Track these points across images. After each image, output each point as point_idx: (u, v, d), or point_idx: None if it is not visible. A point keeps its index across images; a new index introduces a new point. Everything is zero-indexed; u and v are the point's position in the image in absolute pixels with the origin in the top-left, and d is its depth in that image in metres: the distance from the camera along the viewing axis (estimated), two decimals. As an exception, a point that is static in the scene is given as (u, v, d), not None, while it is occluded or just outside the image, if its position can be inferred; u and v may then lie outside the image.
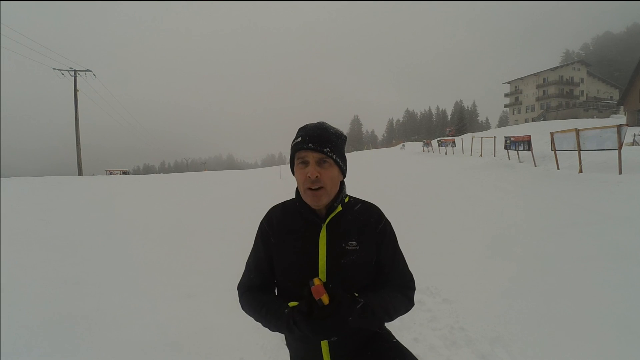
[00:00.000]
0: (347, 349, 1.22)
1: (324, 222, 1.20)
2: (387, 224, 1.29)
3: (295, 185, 1.26)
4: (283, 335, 1.33)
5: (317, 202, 1.16)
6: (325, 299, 0.99)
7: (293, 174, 1.23)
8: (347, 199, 1.29)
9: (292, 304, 1.11)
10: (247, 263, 1.32)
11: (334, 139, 1.18)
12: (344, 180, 1.29)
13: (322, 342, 1.19)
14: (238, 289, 1.30)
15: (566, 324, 2.75)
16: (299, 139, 1.17)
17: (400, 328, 2.92)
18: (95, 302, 3.55)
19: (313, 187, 1.14)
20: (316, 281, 0.99)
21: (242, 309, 1.26)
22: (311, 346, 1.22)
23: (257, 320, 1.20)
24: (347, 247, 1.18)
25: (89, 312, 3.32)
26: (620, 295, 3.07)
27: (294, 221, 1.24)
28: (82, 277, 4.27)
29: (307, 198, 1.17)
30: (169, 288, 3.94)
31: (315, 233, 1.20)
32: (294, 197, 1.30)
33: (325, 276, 1.16)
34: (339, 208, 1.23)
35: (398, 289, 1.25)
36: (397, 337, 1.34)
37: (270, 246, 1.24)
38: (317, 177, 1.13)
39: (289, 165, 1.27)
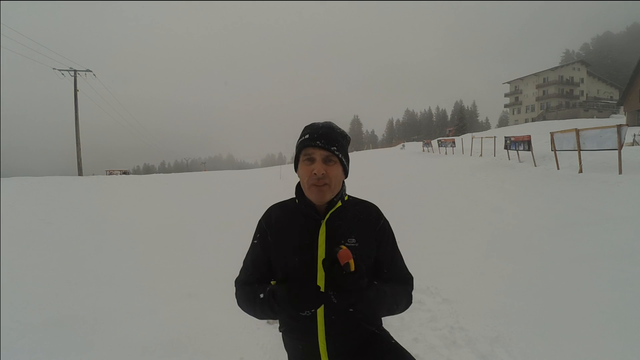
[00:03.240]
0: (345, 350, 1.22)
1: (324, 219, 1.21)
2: (386, 222, 1.30)
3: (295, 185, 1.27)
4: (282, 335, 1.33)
5: (321, 198, 1.17)
6: (352, 265, 1.01)
7: (296, 171, 1.24)
8: (346, 198, 1.30)
9: (273, 283, 1.16)
10: (244, 261, 1.32)
11: (340, 138, 1.20)
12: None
13: (319, 342, 1.19)
14: (235, 284, 1.31)
15: (566, 324, 2.75)
16: (307, 136, 1.19)
17: (400, 328, 2.92)
18: (95, 302, 3.55)
19: (318, 184, 1.15)
20: (342, 247, 1.03)
21: (238, 304, 1.26)
22: (309, 347, 1.21)
23: (249, 311, 1.21)
24: (347, 244, 1.19)
25: (89, 312, 3.33)
26: (619, 295, 3.07)
27: (293, 218, 1.25)
28: (82, 277, 4.27)
29: (312, 194, 1.18)
30: (168, 288, 3.95)
31: (314, 229, 1.21)
32: (292, 197, 1.31)
33: (323, 273, 1.16)
34: (339, 204, 1.24)
35: (398, 284, 1.27)
36: (397, 338, 1.34)
37: (268, 245, 1.25)
38: (323, 174, 1.14)
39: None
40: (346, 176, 1.27)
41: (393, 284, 1.23)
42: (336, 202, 1.23)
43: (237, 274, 1.32)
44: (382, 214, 1.31)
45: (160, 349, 2.70)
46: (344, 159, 1.20)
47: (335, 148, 1.16)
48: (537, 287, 3.45)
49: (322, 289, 1.14)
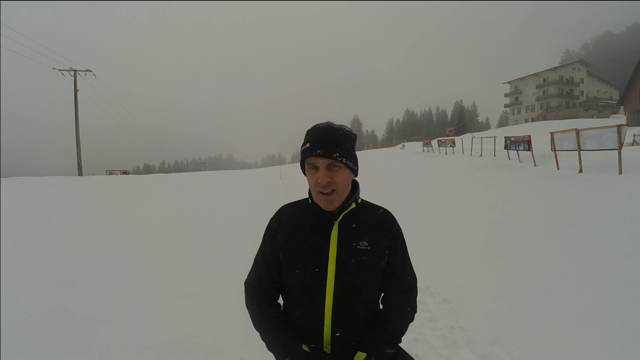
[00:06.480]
0: (346, 348, 1.22)
1: (336, 220, 1.20)
2: (399, 230, 1.29)
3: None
4: None
5: (329, 205, 1.16)
6: None
7: (304, 174, 1.24)
8: (360, 200, 1.28)
9: (305, 347, 1.16)
10: (255, 259, 1.32)
11: (342, 141, 1.16)
12: (358, 181, 1.29)
13: (324, 342, 1.19)
14: (245, 285, 1.30)
15: (566, 324, 2.75)
16: (308, 145, 1.16)
17: (400, 328, 2.92)
18: (95, 302, 3.55)
19: (325, 192, 1.14)
20: None
21: (250, 314, 1.26)
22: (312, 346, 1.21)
23: (259, 332, 1.22)
24: (359, 247, 1.18)
25: (89, 312, 3.33)
26: (619, 295, 3.07)
27: (305, 218, 1.23)
28: (83, 277, 4.27)
29: (320, 202, 1.17)
30: (169, 287, 3.95)
31: (326, 230, 1.19)
32: (301, 198, 1.30)
33: (333, 274, 1.16)
34: (353, 206, 1.23)
35: (403, 297, 1.26)
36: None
37: (278, 244, 1.24)
38: (328, 182, 1.13)
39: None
40: (355, 175, 1.25)
41: (395, 312, 1.24)
42: (350, 204, 1.22)
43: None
44: (396, 221, 1.29)
45: (160, 349, 2.70)
46: (348, 162, 1.16)
47: (337, 154, 1.13)
48: (537, 286, 3.45)
49: (332, 294, 1.15)
